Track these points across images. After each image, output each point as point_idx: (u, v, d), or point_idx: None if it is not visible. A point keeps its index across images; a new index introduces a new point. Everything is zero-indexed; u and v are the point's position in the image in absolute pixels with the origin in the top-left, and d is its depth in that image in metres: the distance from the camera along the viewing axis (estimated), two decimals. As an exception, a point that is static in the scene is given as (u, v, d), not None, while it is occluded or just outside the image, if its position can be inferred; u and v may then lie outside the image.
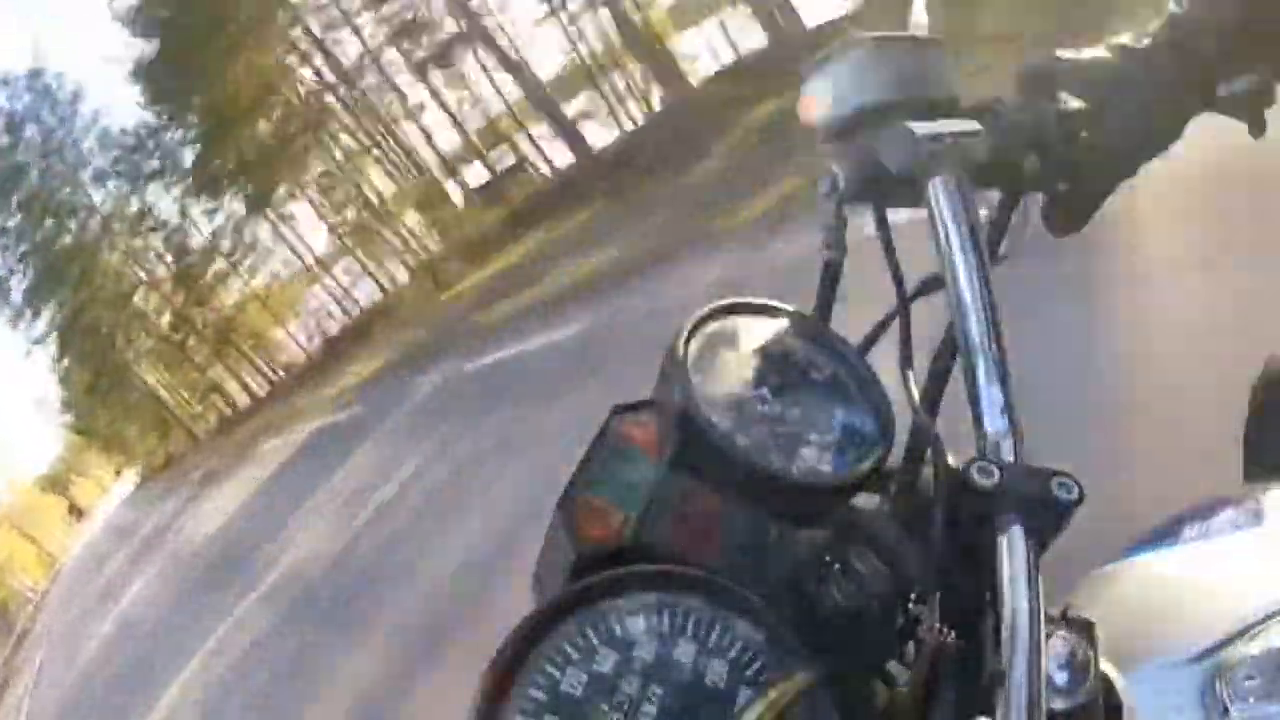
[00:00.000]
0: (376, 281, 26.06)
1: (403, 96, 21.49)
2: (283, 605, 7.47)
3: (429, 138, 22.25)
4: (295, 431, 17.91)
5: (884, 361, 0.62)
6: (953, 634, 0.46)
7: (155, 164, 25.78)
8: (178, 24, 20.58)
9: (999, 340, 0.55)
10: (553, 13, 17.81)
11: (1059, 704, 0.44)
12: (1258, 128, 0.66)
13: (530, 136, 21.17)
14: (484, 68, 19.34)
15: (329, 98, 21.88)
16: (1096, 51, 0.67)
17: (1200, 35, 0.63)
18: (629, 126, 18.24)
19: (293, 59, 21.45)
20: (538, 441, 5.87)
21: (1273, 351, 0.88)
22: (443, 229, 22.78)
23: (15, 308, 28.84)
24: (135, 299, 28.67)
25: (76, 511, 58.90)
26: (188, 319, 28.74)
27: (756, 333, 0.60)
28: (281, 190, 23.96)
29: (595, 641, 0.43)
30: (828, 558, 0.51)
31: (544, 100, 18.18)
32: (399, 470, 8.31)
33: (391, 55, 20.48)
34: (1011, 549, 0.45)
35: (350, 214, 23.62)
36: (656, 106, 17.77)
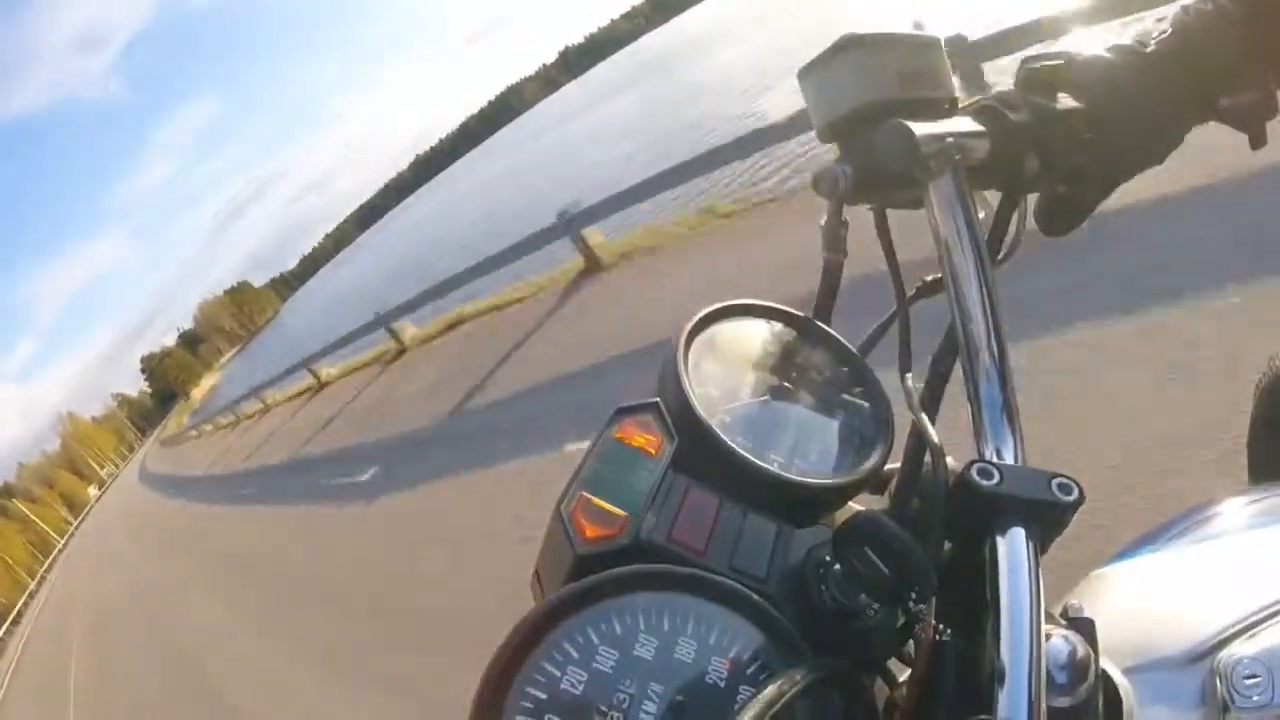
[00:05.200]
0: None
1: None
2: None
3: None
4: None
5: (884, 362, 0.62)
6: (952, 634, 0.46)
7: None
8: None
9: (999, 340, 0.55)
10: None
11: (1059, 704, 0.44)
12: (1258, 140, 0.66)
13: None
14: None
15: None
16: (1099, 52, 0.67)
17: (1207, 48, 0.64)
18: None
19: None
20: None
21: (1277, 352, 0.87)
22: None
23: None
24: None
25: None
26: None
27: (757, 334, 0.60)
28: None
29: (595, 641, 0.43)
30: (828, 558, 0.51)
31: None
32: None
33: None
34: (1011, 550, 0.45)
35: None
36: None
